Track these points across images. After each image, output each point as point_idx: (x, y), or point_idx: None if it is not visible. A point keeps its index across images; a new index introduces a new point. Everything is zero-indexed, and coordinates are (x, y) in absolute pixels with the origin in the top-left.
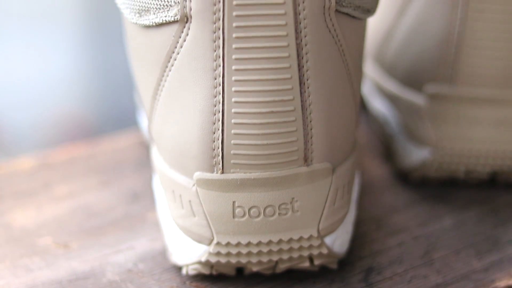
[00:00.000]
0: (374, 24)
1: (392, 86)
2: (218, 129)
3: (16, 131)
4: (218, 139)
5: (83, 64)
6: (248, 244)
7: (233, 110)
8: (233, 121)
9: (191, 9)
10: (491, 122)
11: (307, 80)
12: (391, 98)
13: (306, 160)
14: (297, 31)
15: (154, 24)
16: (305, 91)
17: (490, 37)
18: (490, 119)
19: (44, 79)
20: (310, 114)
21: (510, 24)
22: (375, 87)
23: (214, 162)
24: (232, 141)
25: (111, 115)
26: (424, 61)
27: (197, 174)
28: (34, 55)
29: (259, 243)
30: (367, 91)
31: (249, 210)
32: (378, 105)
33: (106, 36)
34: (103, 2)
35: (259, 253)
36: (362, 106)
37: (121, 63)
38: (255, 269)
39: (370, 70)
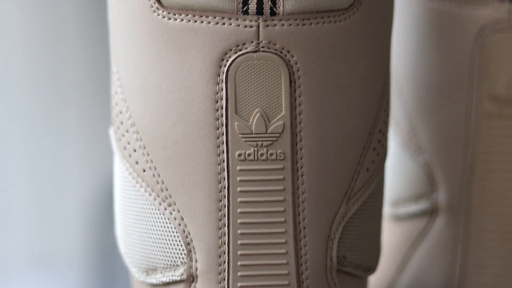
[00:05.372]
0: (375, 281)
1: None
2: None
3: None
4: None
5: None
6: None
7: None
8: None
9: (197, 269)
10: None
11: None
12: None
13: None
14: None
15: (161, 283)
16: None
17: None
18: None
19: None
20: None
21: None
22: None
23: None
24: None
25: None
26: None
27: None
28: None
29: None
30: None
31: None
32: None
33: (111, 279)
34: (109, 248)
35: None
36: None
37: None
38: None
39: None
